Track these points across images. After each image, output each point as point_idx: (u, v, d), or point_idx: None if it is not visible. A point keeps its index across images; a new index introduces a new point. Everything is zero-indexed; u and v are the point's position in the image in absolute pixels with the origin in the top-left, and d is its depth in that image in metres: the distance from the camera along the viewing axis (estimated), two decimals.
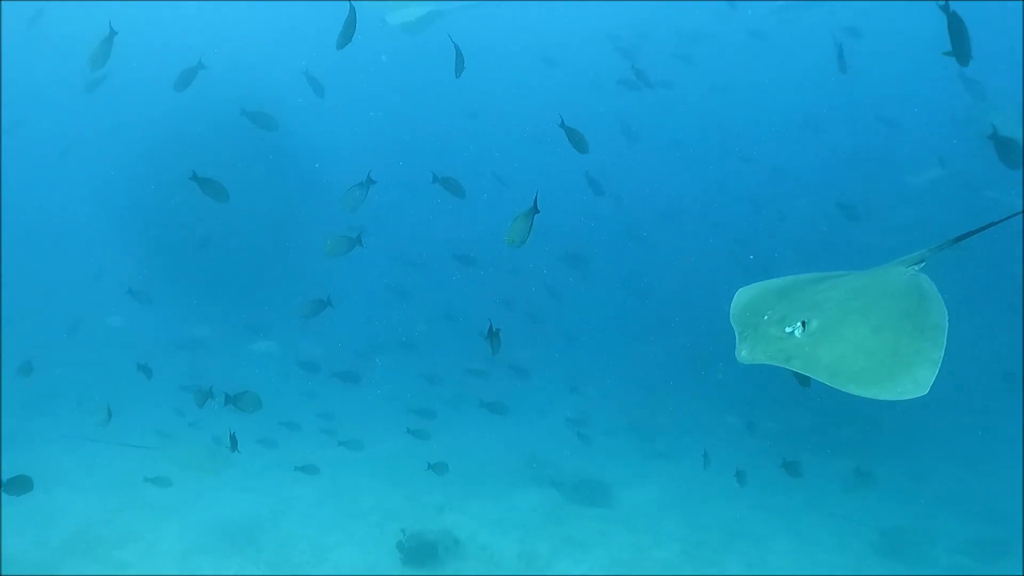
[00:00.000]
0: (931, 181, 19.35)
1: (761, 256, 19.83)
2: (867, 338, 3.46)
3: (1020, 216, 4.33)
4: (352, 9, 7.72)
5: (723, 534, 11.40)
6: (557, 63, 23.48)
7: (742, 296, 4.28)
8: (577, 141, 9.45)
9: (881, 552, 11.05)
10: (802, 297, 3.89)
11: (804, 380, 6.76)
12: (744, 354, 3.59)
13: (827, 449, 13.64)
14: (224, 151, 18.95)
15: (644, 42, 22.79)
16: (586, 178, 15.07)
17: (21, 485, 6.89)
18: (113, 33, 8.68)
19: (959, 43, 6.37)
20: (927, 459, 14.29)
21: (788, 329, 3.53)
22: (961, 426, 15.61)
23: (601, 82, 22.10)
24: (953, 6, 6.16)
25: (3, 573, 9.51)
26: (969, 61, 6.40)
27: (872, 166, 21.61)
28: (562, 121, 9.49)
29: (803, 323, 3.53)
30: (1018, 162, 8.62)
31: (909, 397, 3.19)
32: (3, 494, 6.73)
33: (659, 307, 21.25)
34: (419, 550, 10.21)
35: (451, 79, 8.75)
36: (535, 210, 6.24)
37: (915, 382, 3.21)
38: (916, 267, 3.95)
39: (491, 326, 7.47)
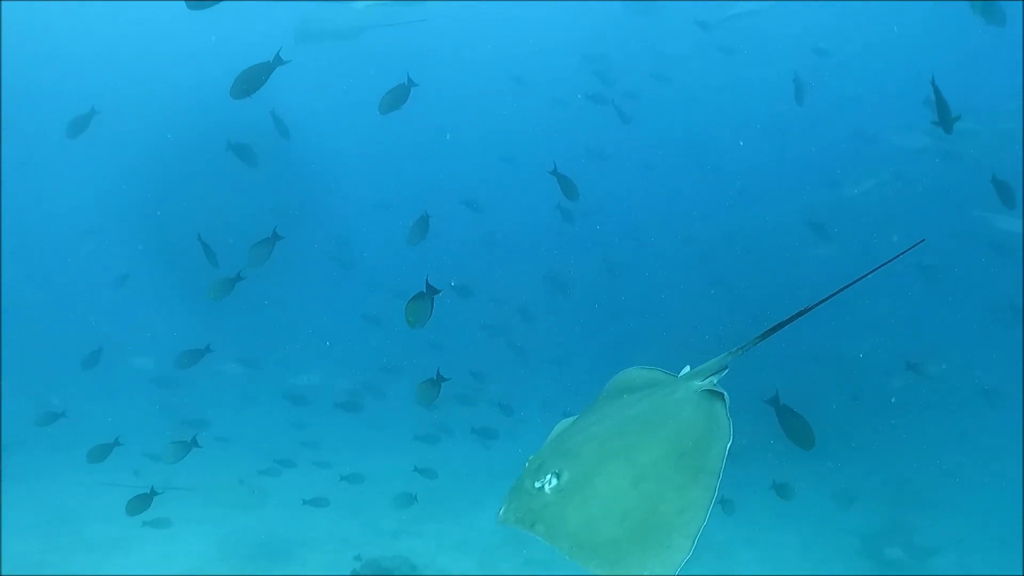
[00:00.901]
0: (868, 190, 19.49)
1: (727, 271, 19.80)
2: (623, 494, 2.83)
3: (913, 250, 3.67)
4: (269, 63, 7.17)
5: None
6: (526, 81, 23.42)
7: (556, 431, 3.56)
8: (568, 188, 9.30)
9: (848, 556, 10.82)
10: (571, 435, 3.25)
11: (803, 441, 6.61)
12: (500, 513, 2.94)
13: (795, 454, 13.33)
14: (207, 177, 18.85)
15: (617, 63, 22.90)
16: (559, 209, 14.88)
17: None
18: None
19: (943, 113, 7.22)
20: (900, 466, 14.11)
21: (538, 484, 2.90)
22: (938, 434, 15.50)
23: (572, 101, 22.10)
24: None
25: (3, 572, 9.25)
26: (952, 129, 7.32)
27: (838, 178, 21.60)
28: (554, 167, 9.36)
29: (556, 474, 2.91)
30: (1016, 201, 9.56)
31: None
32: None
33: (637, 325, 21.07)
34: None
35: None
36: (432, 291, 6.07)
37: (665, 564, 2.63)
38: (716, 377, 3.31)
39: (438, 372, 7.13)
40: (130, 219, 22.84)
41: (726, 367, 3.35)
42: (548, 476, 2.91)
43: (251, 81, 7.14)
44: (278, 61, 7.15)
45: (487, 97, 28.73)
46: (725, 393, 3.20)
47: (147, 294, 21.87)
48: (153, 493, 7.87)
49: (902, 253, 3.58)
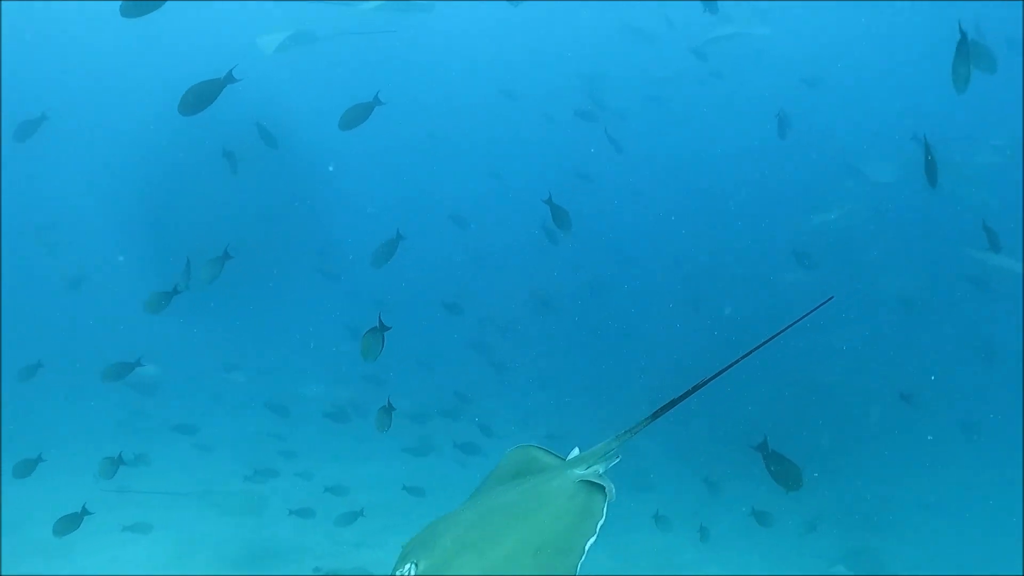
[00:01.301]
0: (835, 219, 19.73)
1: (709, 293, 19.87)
2: None
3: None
4: (219, 80, 6.95)
5: (651, 565, 11.02)
6: (517, 96, 23.40)
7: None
8: (560, 218, 9.15)
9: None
10: (442, 520, 3.13)
11: (791, 484, 6.65)
12: None
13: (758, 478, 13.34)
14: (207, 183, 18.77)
15: (610, 82, 23.02)
16: (543, 229, 14.79)
17: None
18: None
19: (931, 170, 7.50)
20: (876, 494, 14.15)
21: (399, 573, 2.81)
22: (916, 465, 15.55)
23: (563, 118, 22.16)
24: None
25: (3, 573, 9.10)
26: (937, 184, 7.55)
27: (817, 205, 21.72)
28: (549, 197, 9.29)
29: (415, 564, 2.81)
30: (999, 243, 10.23)
31: None
32: None
33: (625, 351, 21.04)
34: None
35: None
36: (383, 327, 6.47)
37: None
38: (602, 464, 3.08)
39: (388, 401, 7.29)
40: (126, 224, 22.85)
41: (617, 455, 3.15)
42: (408, 565, 2.79)
43: (200, 98, 6.95)
44: (229, 79, 6.97)
45: (477, 109, 28.70)
46: (608, 485, 2.97)
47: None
48: (85, 512, 7.77)
49: (811, 312, 3.49)
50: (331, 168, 25.44)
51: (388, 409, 7.16)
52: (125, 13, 6.60)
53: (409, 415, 14.68)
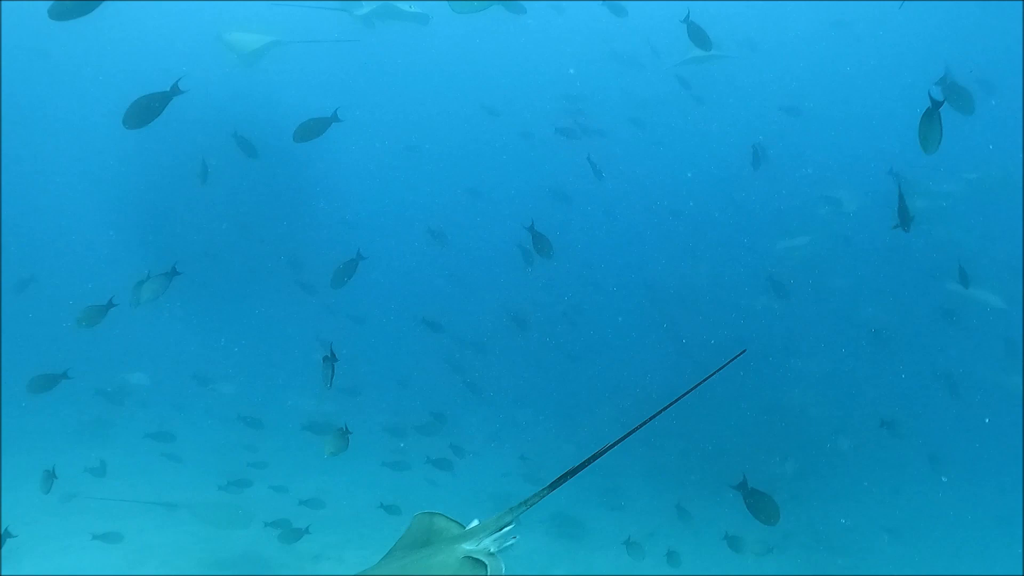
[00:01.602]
0: (799, 247, 19.99)
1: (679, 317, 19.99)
2: None
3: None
4: (166, 93, 6.88)
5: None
6: (499, 113, 23.46)
7: None
8: (542, 246, 9.23)
9: None
10: None
11: (770, 518, 6.74)
12: None
13: (722, 500, 13.37)
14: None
15: (591, 103, 23.16)
16: (520, 250, 14.79)
17: None
18: None
19: (903, 213, 7.57)
20: (839, 519, 14.22)
21: None
22: (882, 493, 15.70)
23: (545, 138, 22.26)
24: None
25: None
26: (910, 229, 7.61)
27: (788, 233, 21.96)
28: (531, 224, 9.40)
29: None
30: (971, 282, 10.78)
31: None
32: None
33: (598, 373, 21.07)
34: None
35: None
36: (333, 357, 6.63)
37: None
38: (493, 539, 2.99)
39: (344, 426, 7.34)
40: (124, 233, 22.73)
41: (514, 534, 3.05)
42: None
43: (145, 111, 6.87)
44: (175, 91, 6.90)
45: (459, 124, 28.70)
46: (493, 563, 2.87)
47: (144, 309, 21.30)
48: (8, 535, 7.56)
49: (727, 363, 3.47)
50: (314, 177, 25.43)
51: (344, 433, 7.16)
52: (53, 15, 6.41)
53: (386, 429, 14.67)
